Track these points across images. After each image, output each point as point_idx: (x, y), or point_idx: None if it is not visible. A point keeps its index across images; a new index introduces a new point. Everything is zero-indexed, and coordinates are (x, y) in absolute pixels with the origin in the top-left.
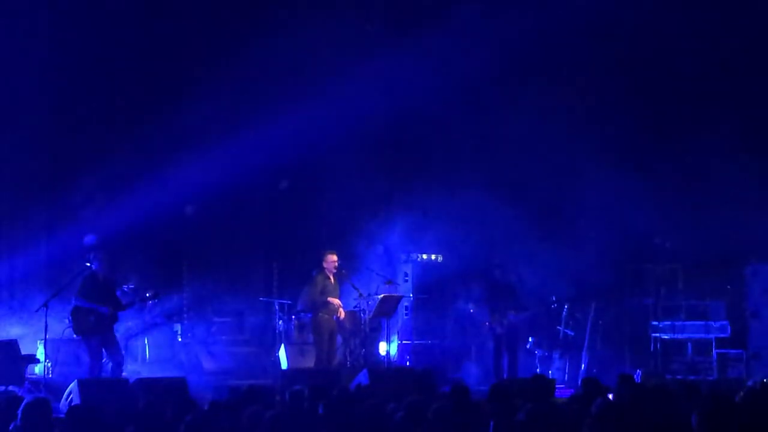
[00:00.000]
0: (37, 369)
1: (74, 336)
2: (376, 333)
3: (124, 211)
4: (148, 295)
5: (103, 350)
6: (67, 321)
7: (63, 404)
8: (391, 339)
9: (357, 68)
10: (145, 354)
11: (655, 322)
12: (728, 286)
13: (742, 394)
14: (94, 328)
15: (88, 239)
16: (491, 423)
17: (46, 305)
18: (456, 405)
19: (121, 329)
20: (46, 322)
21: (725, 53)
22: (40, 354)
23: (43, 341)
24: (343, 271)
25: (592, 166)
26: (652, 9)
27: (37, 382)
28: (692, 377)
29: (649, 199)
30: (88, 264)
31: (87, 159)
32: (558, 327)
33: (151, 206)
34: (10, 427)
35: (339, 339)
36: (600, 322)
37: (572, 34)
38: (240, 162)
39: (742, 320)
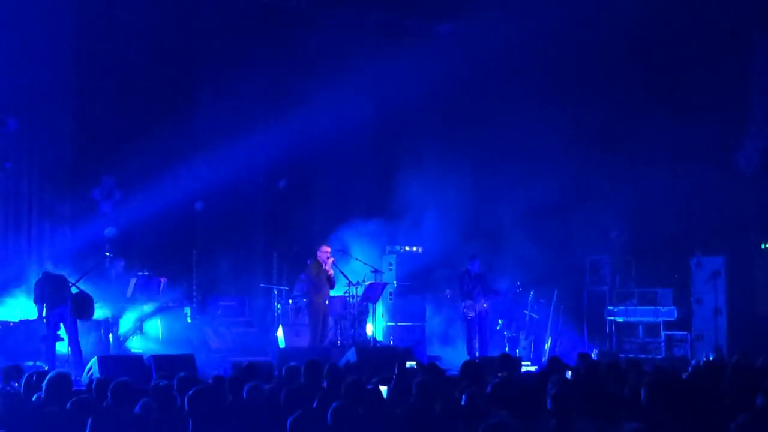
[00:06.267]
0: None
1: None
2: (363, 316)
3: (141, 205)
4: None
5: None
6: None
7: (84, 378)
8: (377, 321)
9: (348, 76)
10: (158, 334)
11: (610, 307)
12: (675, 276)
13: (689, 371)
14: None
15: (109, 231)
16: (463, 396)
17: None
18: (432, 380)
19: (137, 312)
20: (70, 304)
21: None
22: (64, 333)
23: None
24: (334, 260)
25: (564, 169)
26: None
27: (60, 359)
28: (642, 356)
29: (608, 197)
30: (108, 254)
31: (107, 159)
32: (525, 311)
33: (165, 202)
34: (33, 398)
35: (330, 321)
36: (561, 306)
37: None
38: (244, 163)
39: (688, 306)
